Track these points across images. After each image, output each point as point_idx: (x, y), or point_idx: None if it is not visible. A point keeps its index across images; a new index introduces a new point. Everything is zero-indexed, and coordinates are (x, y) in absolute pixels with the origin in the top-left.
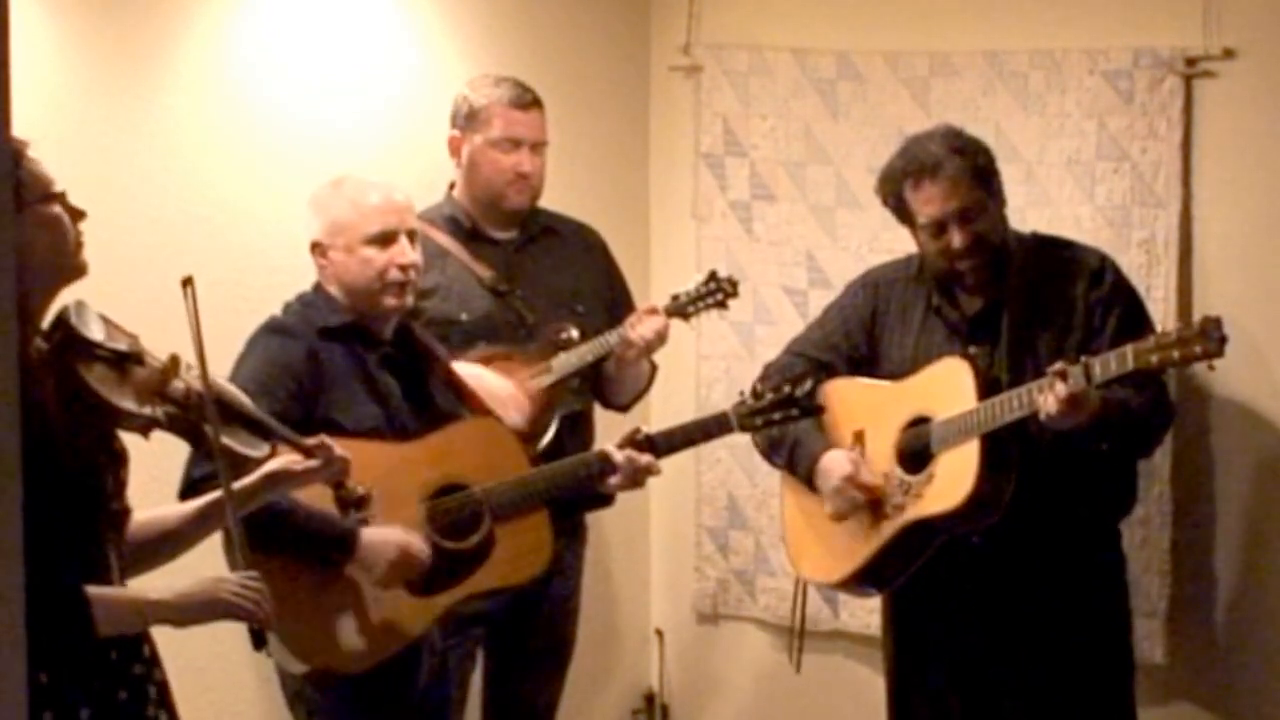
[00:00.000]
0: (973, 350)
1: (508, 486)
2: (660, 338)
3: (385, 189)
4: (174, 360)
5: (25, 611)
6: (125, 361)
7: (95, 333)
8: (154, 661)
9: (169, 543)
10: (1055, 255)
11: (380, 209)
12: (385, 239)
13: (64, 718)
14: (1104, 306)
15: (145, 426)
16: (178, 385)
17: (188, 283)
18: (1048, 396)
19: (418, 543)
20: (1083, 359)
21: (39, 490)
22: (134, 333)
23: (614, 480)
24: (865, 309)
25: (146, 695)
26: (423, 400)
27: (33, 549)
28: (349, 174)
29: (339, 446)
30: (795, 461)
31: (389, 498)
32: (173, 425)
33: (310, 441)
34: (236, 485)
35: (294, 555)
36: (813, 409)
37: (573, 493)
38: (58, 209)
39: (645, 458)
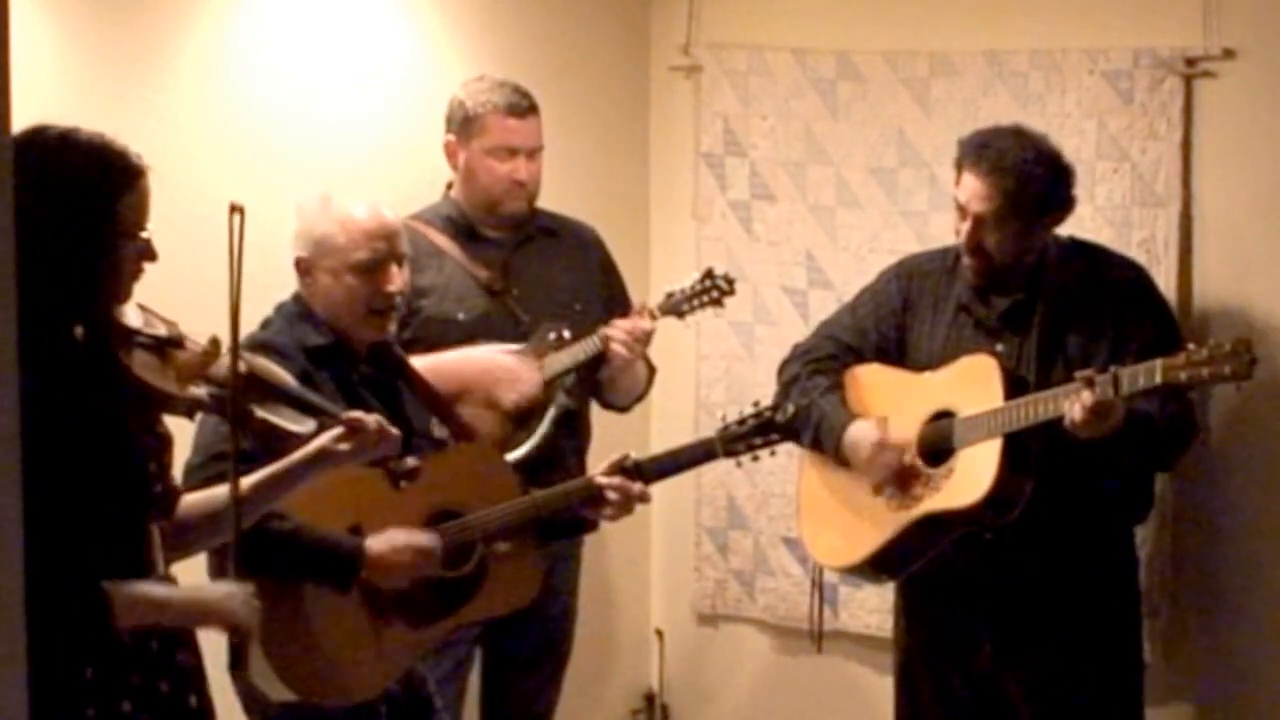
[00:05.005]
0: (1000, 348)
1: (500, 514)
2: (638, 338)
3: (374, 210)
4: (214, 343)
5: (51, 609)
6: (166, 346)
7: (133, 320)
8: (194, 647)
9: (218, 521)
10: (1091, 262)
11: (369, 233)
12: (373, 267)
13: (106, 713)
14: (1135, 318)
15: (190, 409)
16: (219, 367)
17: (236, 209)
18: (1073, 404)
19: (425, 538)
20: (1111, 369)
21: (80, 477)
22: (172, 319)
23: (607, 511)
24: (898, 298)
25: (188, 683)
26: (400, 418)
27: (70, 538)
28: (335, 191)
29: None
30: (821, 437)
31: (387, 527)
32: (217, 406)
33: (355, 415)
34: (284, 462)
35: (303, 579)
36: (793, 432)
37: (563, 518)
38: (132, 253)
39: (637, 486)
